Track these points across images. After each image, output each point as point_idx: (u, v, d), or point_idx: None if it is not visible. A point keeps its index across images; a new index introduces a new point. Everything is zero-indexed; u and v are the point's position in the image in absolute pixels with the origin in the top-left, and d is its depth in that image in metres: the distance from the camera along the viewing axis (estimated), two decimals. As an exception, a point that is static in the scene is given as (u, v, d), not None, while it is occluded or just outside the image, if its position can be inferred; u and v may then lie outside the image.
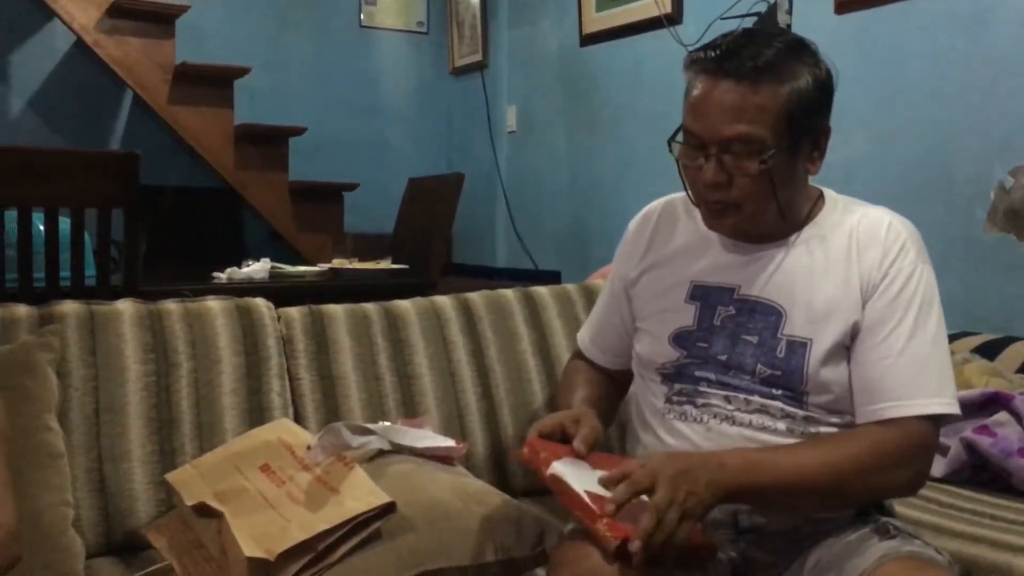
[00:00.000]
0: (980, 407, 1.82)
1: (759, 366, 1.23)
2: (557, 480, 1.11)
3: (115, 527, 1.38)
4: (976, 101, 2.51)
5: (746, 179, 1.18)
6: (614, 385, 1.47)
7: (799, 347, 1.22)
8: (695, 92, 1.20)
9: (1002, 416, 1.77)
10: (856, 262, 1.23)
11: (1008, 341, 2.10)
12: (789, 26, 2.90)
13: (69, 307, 1.48)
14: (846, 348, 1.22)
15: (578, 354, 1.53)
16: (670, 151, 1.25)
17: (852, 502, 1.23)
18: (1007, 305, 2.41)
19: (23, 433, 1.27)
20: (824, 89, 1.21)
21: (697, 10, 3.36)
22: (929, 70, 2.63)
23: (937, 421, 1.19)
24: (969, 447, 1.75)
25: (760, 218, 1.23)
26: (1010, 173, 2.42)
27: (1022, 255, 2.40)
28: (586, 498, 1.07)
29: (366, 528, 1.15)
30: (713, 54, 1.18)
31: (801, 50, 1.20)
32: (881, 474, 1.17)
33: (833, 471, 1.14)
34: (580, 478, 1.11)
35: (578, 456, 1.16)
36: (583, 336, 1.53)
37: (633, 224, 1.45)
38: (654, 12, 3.52)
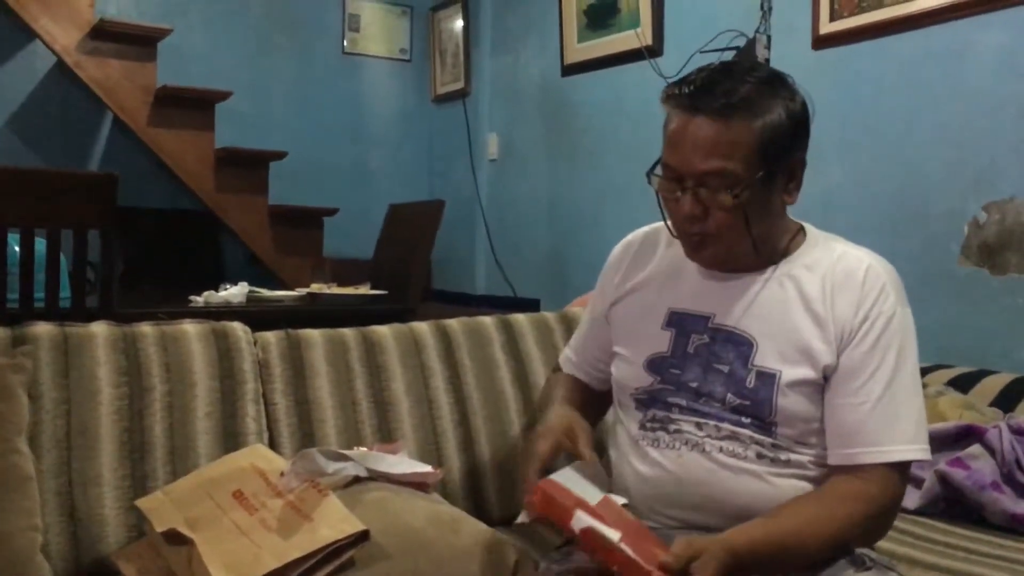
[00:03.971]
0: (954, 440, 1.83)
1: (728, 395, 1.24)
2: (592, 534, 1.05)
3: (84, 553, 1.35)
4: (951, 137, 2.55)
5: (721, 212, 1.20)
6: (595, 398, 1.49)
7: (768, 378, 1.22)
8: (671, 126, 1.22)
9: (976, 449, 1.78)
10: (831, 303, 1.23)
11: (982, 374, 2.11)
12: (768, 60, 2.94)
13: (42, 328, 1.46)
14: (818, 386, 1.22)
15: (558, 370, 1.56)
16: (649, 183, 1.26)
17: None
18: (981, 338, 2.44)
19: (-8, 456, 1.25)
20: (798, 122, 1.22)
21: (677, 43, 3.40)
22: (905, 105, 2.67)
23: (908, 466, 1.21)
24: (943, 480, 1.76)
25: (736, 249, 1.25)
26: (984, 208, 2.45)
27: (996, 289, 2.43)
28: (630, 552, 1.02)
29: (339, 556, 1.14)
30: (688, 89, 1.20)
31: (776, 84, 1.22)
32: (866, 532, 1.20)
33: (833, 541, 1.16)
34: (606, 525, 1.05)
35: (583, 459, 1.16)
36: (567, 356, 1.55)
37: (617, 249, 1.47)
38: (635, 44, 3.55)
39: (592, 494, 1.13)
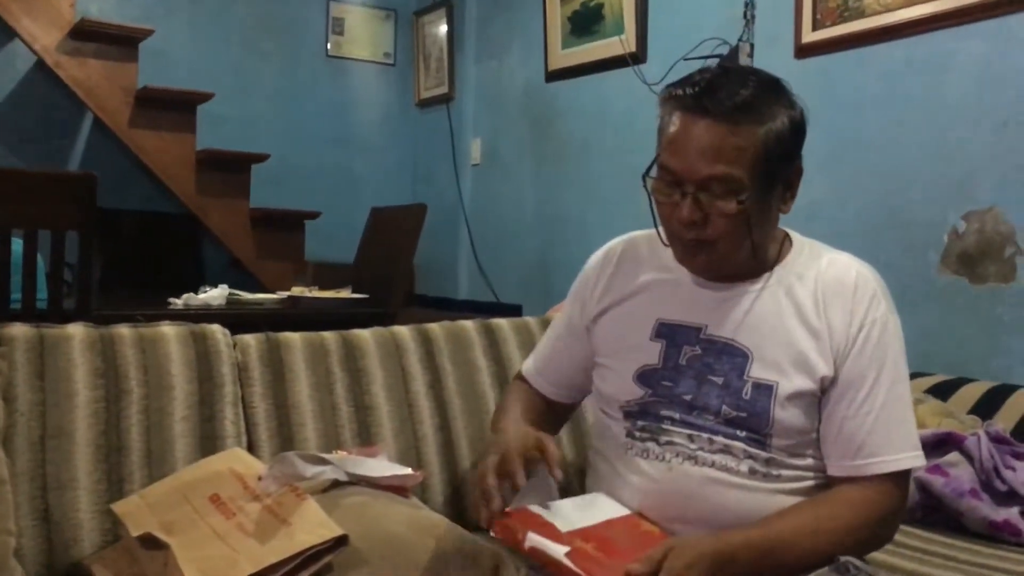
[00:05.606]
0: (933, 447, 1.84)
1: (724, 407, 1.22)
2: (536, 552, 1.11)
3: (58, 558, 1.33)
4: (932, 146, 2.56)
5: (723, 219, 1.18)
6: (553, 414, 1.48)
7: (765, 389, 1.21)
8: (673, 129, 1.19)
9: (954, 456, 1.79)
10: (824, 314, 1.23)
11: (961, 382, 2.13)
12: (751, 68, 2.95)
13: (18, 330, 1.44)
14: (815, 397, 1.22)
15: (521, 378, 1.53)
16: (644, 186, 1.24)
17: None
18: (960, 346, 2.45)
19: (-36, 458, 1.23)
20: (798, 130, 1.22)
21: (661, 50, 3.41)
22: (887, 115, 2.69)
23: (910, 472, 1.22)
24: (922, 487, 1.77)
25: (733, 257, 1.23)
26: (963, 217, 2.47)
27: (974, 298, 2.44)
28: (568, 562, 1.08)
29: (317, 561, 1.13)
30: (691, 91, 1.18)
31: (777, 89, 1.21)
32: (873, 536, 1.20)
33: (834, 548, 1.15)
34: (555, 543, 1.11)
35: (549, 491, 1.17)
36: (529, 367, 1.52)
37: (594, 260, 1.43)
38: (619, 51, 3.56)
39: (568, 517, 1.17)
